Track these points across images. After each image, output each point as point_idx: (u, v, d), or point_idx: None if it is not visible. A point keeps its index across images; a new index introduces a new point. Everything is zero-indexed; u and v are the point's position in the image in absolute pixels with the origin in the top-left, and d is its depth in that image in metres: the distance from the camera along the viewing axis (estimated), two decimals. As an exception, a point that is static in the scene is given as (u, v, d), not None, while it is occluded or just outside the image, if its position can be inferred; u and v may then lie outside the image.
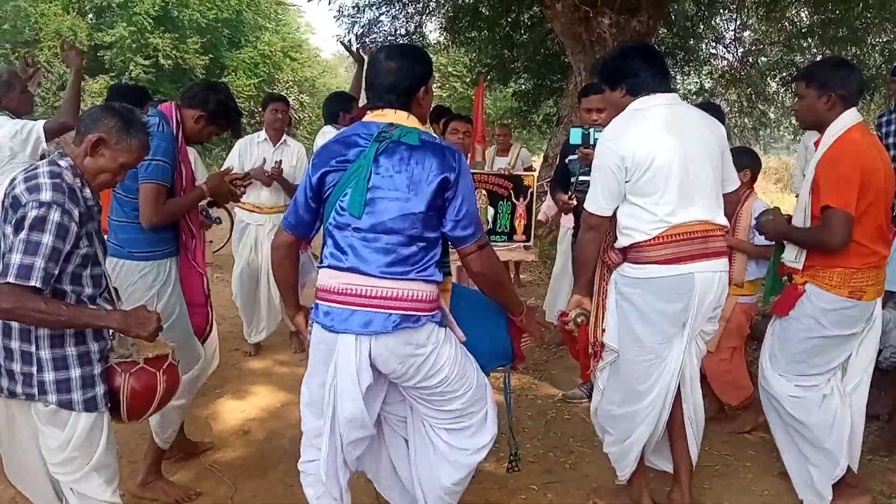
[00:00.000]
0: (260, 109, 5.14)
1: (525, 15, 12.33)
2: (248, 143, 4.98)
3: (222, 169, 3.85)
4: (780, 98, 13.64)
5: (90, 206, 2.20)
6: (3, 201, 2.11)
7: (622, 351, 2.76)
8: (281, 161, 4.83)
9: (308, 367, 2.37)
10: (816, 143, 2.92)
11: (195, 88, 3.11)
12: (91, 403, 2.17)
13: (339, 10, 12.48)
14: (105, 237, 3.09)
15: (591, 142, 3.88)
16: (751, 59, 13.15)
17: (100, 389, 2.19)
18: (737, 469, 3.46)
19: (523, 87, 14.67)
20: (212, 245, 7.46)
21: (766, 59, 12.97)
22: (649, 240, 2.61)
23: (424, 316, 2.21)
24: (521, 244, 4.03)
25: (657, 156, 2.55)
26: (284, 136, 5.02)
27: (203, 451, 3.50)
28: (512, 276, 7.81)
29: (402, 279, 2.17)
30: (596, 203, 2.68)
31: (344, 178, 2.18)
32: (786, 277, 3.10)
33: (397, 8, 12.45)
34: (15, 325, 2.09)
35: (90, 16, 18.79)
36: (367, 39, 12.29)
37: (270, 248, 2.44)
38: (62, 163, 2.15)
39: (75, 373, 2.14)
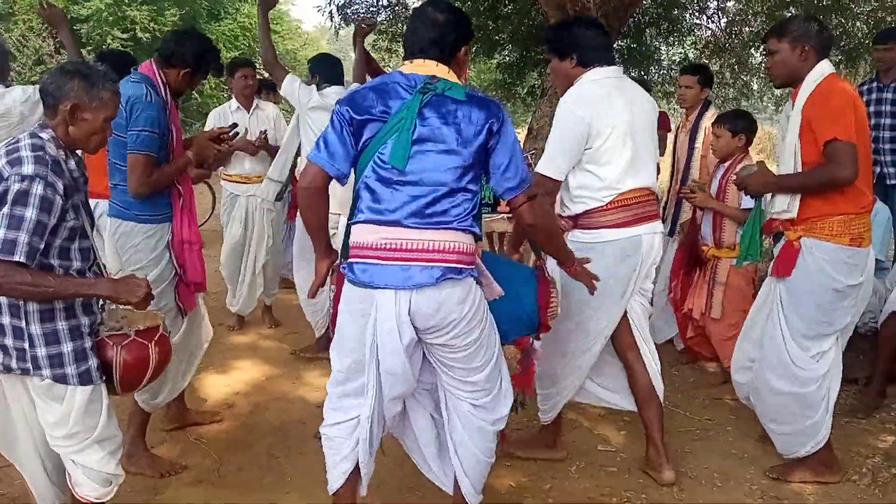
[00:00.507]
0: (228, 78, 5.00)
1: (508, -15, 12.19)
2: (222, 114, 4.90)
3: None
4: (764, 69, 13.62)
5: (76, 178, 2.16)
6: None
7: (564, 313, 2.80)
8: (266, 130, 4.78)
9: (339, 330, 2.32)
10: (793, 97, 2.89)
11: (168, 44, 3.01)
12: (86, 377, 2.15)
13: (319, -20, 12.26)
14: (105, 201, 3.13)
15: None
16: (735, 30, 13.10)
17: (93, 362, 2.18)
18: (717, 433, 3.51)
19: (507, 58, 14.54)
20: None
21: (749, 30, 12.93)
22: (602, 206, 2.78)
23: (465, 269, 2.19)
24: (505, 215, 4.02)
25: (616, 125, 2.73)
26: (256, 101, 4.96)
27: (207, 422, 3.51)
28: (496, 248, 7.81)
29: (444, 229, 2.15)
30: (555, 167, 2.76)
31: (385, 129, 2.11)
32: (771, 239, 3.10)
33: (379, -22, 12.27)
34: (3, 300, 2.07)
35: (65, -12, 18.39)
36: (348, 11, 12.11)
37: (298, 189, 2.26)
38: (43, 135, 2.10)
39: (67, 347, 2.12)
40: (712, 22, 13.32)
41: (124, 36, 17.41)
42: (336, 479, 2.38)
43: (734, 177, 3.38)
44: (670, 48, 14.91)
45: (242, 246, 4.89)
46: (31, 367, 2.11)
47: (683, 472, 3.12)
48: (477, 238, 2.28)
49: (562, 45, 2.84)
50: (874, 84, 4.78)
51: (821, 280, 2.80)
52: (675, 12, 12.37)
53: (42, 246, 2.01)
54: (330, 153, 2.16)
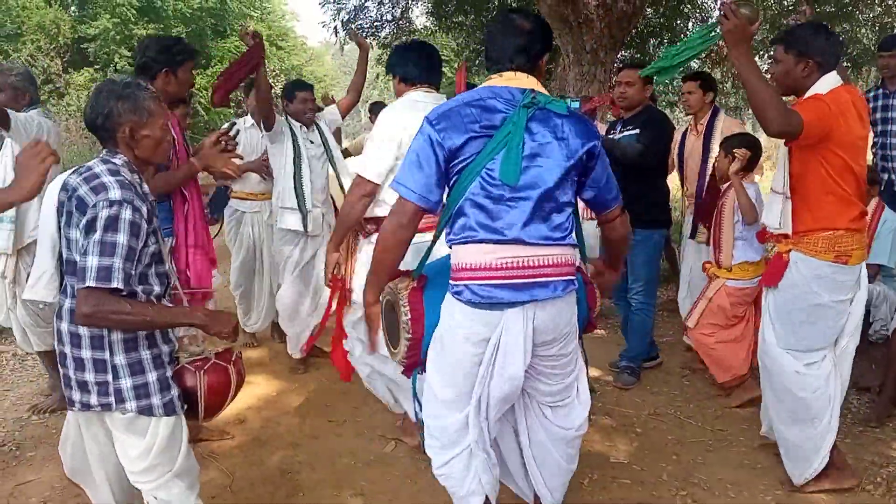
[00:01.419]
0: (244, 97, 5.02)
1: (511, -2, 12.26)
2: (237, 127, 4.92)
3: None
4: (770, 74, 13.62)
5: (152, 202, 2.13)
6: (61, 207, 2.05)
7: None
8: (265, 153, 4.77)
9: (442, 359, 2.24)
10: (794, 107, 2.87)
11: (138, 60, 3.03)
12: (170, 407, 2.11)
13: (323, -3, 12.34)
14: None
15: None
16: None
17: (175, 391, 2.13)
18: (730, 443, 3.49)
19: (511, 70, 14.62)
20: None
21: (755, 39, 12.98)
22: None
23: (575, 279, 2.23)
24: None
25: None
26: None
27: (217, 440, 3.53)
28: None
29: (560, 245, 2.16)
30: (375, 171, 2.85)
31: (491, 144, 2.05)
32: (770, 247, 3.12)
33: (383, -7, 12.36)
34: (85, 333, 2.02)
35: (73, 8, 18.56)
36: (352, 26, 12.19)
37: (388, 230, 2.17)
38: (116, 160, 2.06)
39: (152, 377, 2.07)
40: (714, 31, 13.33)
41: (131, 54, 17.53)
42: None
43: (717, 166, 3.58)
44: (674, 58, 14.92)
45: (253, 264, 4.90)
46: (113, 402, 2.04)
47: (696, 484, 3.11)
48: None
49: (392, 65, 3.10)
50: (880, 91, 4.77)
51: (804, 294, 2.83)
52: (678, 22, 12.40)
53: (133, 271, 1.97)
54: (426, 186, 2.10)
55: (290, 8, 29.06)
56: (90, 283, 1.89)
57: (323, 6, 12.36)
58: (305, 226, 4.26)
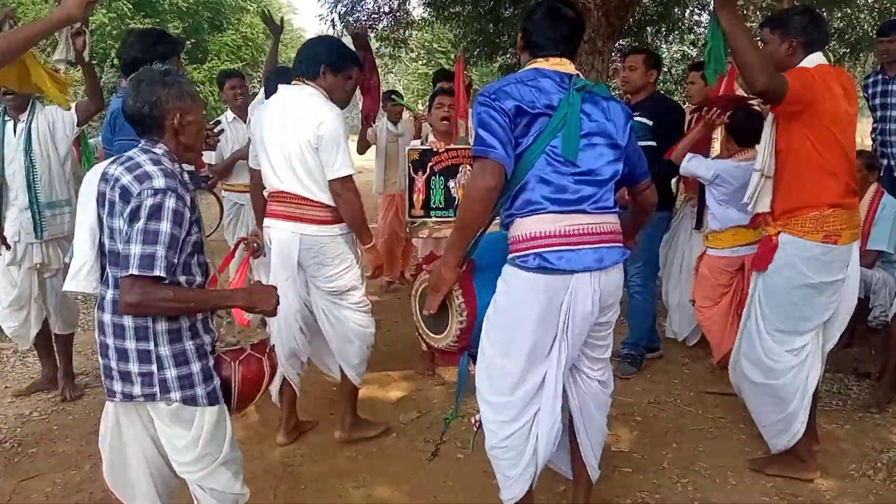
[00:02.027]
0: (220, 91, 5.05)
1: (509, -12, 12.20)
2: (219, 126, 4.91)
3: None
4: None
5: (193, 191, 2.13)
6: (101, 197, 2.04)
7: None
8: None
9: (503, 334, 2.29)
10: None
11: (122, 57, 3.06)
12: (213, 396, 2.10)
13: (320, -11, 12.30)
14: None
15: None
16: (755, 31, 13.10)
17: (216, 381, 2.13)
18: (731, 430, 3.50)
19: (510, 60, 14.56)
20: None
21: (751, 26, 12.91)
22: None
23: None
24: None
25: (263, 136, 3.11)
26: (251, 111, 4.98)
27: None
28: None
29: (615, 213, 2.34)
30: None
31: (552, 123, 2.20)
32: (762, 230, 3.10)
33: (380, -16, 12.31)
34: (129, 323, 2.01)
35: (68, 3, 18.54)
36: (350, 18, 12.15)
37: (476, 192, 2.18)
38: (157, 150, 2.06)
39: (196, 367, 2.07)
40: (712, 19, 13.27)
41: (127, 49, 17.50)
42: (518, 489, 2.39)
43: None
44: (671, 46, 14.89)
45: None
46: (157, 392, 2.03)
47: (697, 471, 3.12)
48: None
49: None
50: (879, 76, 4.75)
51: (793, 275, 2.84)
52: (676, 10, 12.35)
53: (176, 260, 1.97)
54: (505, 147, 2.18)
55: (287, 1, 28.93)
56: (133, 270, 1.89)
57: (320, -1, 12.31)
58: None
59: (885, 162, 4.65)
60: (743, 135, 3.71)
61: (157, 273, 1.90)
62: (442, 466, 3.19)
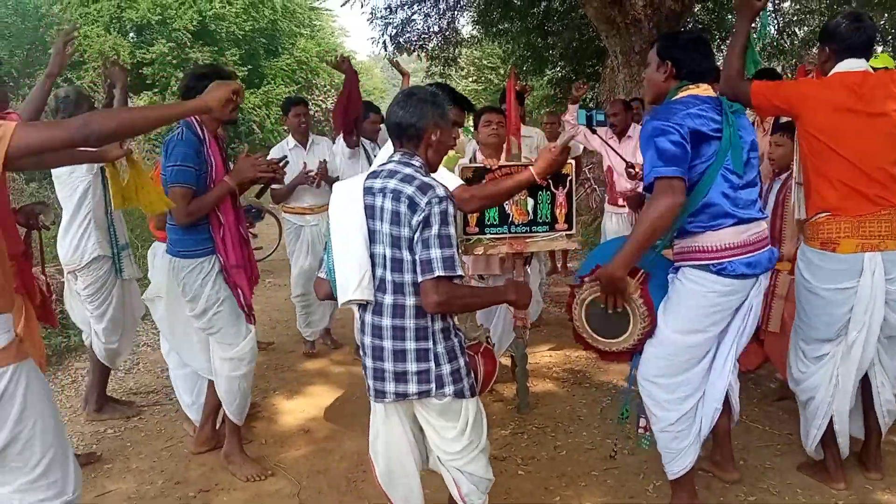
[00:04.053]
0: (283, 117, 5.20)
1: (557, 2, 12.23)
2: (280, 151, 5.05)
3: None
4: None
5: None
6: (371, 209, 2.18)
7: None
8: (325, 161, 4.92)
9: (685, 326, 2.63)
10: None
11: (181, 88, 3.23)
12: (473, 388, 2.28)
13: (371, 13, 12.53)
14: (161, 244, 3.43)
15: (594, 123, 3.94)
16: (794, 31, 12.81)
17: (472, 374, 2.30)
18: (799, 447, 3.39)
19: (559, 74, 14.56)
20: (261, 251, 7.62)
21: (808, 29, 12.62)
22: None
23: None
24: (563, 233, 4.01)
25: None
26: (311, 137, 5.12)
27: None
28: (559, 265, 7.78)
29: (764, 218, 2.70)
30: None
31: (723, 144, 2.51)
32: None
33: (429, 5, 12.48)
34: (410, 325, 2.17)
35: (131, 34, 19.26)
36: (400, 39, 12.34)
37: (666, 208, 2.42)
38: (415, 161, 2.22)
39: (461, 361, 2.24)
40: (769, 24, 13.04)
41: (187, 78, 18.09)
42: (688, 459, 2.73)
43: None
44: (724, 54, 14.65)
45: (312, 273, 5.02)
46: (433, 388, 2.19)
47: (765, 489, 3.05)
48: None
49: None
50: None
51: (801, 280, 2.94)
52: (729, 17, 12.17)
53: None
54: (685, 166, 2.46)
55: (338, 24, 29.54)
56: (439, 272, 2.06)
57: (371, 22, 12.56)
58: None
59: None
60: None
61: (458, 272, 2.09)
62: (503, 482, 3.19)
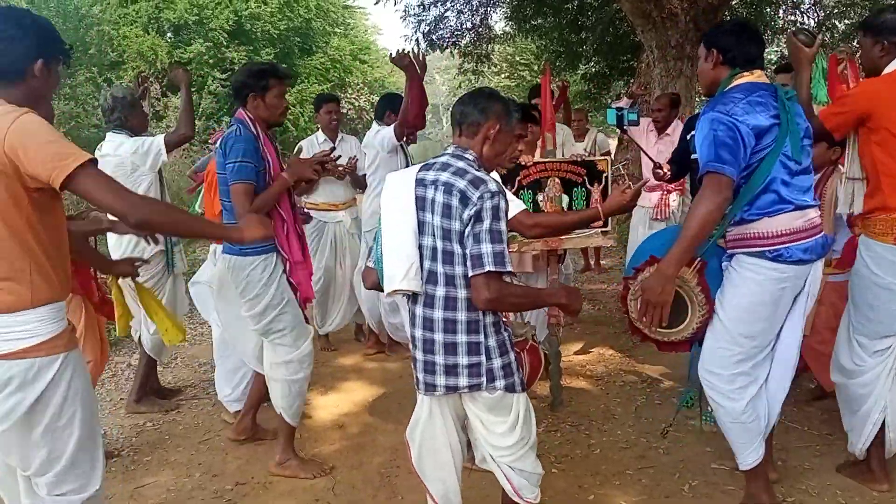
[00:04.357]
0: (315, 113, 5.26)
1: (590, -3, 12.13)
2: (310, 145, 5.11)
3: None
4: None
5: None
6: (422, 201, 2.19)
7: None
8: (356, 156, 4.95)
9: (746, 315, 2.61)
10: None
11: (233, 86, 3.28)
12: (522, 383, 2.29)
13: (404, 10, 12.55)
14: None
15: (626, 122, 3.88)
16: (835, 24, 12.53)
17: (522, 369, 2.32)
18: (839, 448, 3.33)
19: (593, 69, 14.43)
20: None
21: (848, 22, 12.32)
22: None
23: None
24: (599, 230, 3.98)
25: None
26: (341, 134, 5.17)
27: (270, 439, 3.66)
28: (592, 262, 7.73)
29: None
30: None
31: (782, 130, 2.50)
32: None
33: (462, 2, 12.46)
34: (462, 318, 2.16)
35: (168, 34, 19.55)
36: (434, 36, 12.35)
37: (714, 205, 2.44)
38: (468, 156, 2.22)
39: (511, 356, 2.25)
40: (808, 17, 12.77)
41: (223, 76, 18.37)
42: (761, 451, 2.74)
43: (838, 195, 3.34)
44: (764, 48, 14.39)
45: (333, 270, 5.09)
46: (484, 381, 2.19)
47: (804, 490, 3.00)
48: None
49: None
50: None
51: (868, 276, 2.85)
52: (768, 10, 11.95)
53: None
54: (737, 162, 2.45)
55: (371, 22, 29.70)
56: (489, 267, 2.05)
57: (404, 19, 12.58)
58: None
59: None
60: None
61: (508, 268, 2.08)
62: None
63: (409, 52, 4.13)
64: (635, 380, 4.40)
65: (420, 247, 2.21)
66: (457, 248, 2.13)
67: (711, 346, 2.72)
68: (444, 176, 2.16)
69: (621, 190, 2.79)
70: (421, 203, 2.20)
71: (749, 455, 2.74)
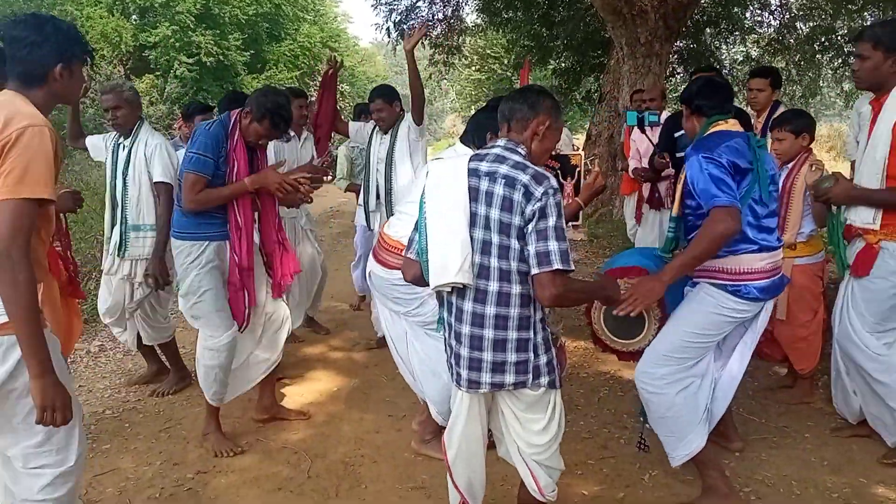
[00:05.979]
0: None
1: (562, -8, 12.18)
2: (277, 141, 4.96)
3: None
4: (827, 65, 13.20)
5: None
6: (475, 192, 2.14)
7: None
8: (315, 157, 4.89)
9: (698, 335, 2.77)
10: (875, 104, 2.98)
11: (255, 94, 3.34)
12: (560, 380, 2.30)
13: (375, -1, 12.48)
14: None
15: (647, 124, 3.97)
16: (798, 25, 12.76)
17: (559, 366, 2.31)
18: (795, 440, 3.43)
19: (563, 64, 14.51)
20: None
21: (812, 25, 12.57)
22: None
23: None
24: (571, 224, 4.02)
25: None
26: (305, 132, 4.98)
27: (293, 419, 3.80)
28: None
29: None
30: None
31: (754, 176, 2.67)
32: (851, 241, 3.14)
33: (434, -9, 12.43)
34: (513, 314, 2.14)
35: (134, 17, 19.18)
36: (405, 26, 12.30)
37: (726, 234, 2.51)
38: (521, 150, 2.19)
39: (553, 352, 2.26)
40: (775, 18, 12.99)
41: (190, 60, 18.08)
42: (691, 448, 2.80)
43: (807, 182, 3.48)
44: (731, 47, 14.62)
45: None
46: (530, 378, 2.18)
47: (761, 481, 3.07)
48: None
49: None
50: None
51: (893, 279, 2.98)
52: (736, 10, 12.12)
53: None
54: (736, 194, 2.57)
55: (342, 10, 29.47)
56: (557, 265, 2.04)
57: (375, 7, 12.51)
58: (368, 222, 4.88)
59: None
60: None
61: (572, 266, 2.08)
62: (499, 469, 3.19)
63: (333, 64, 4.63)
64: (597, 372, 4.45)
65: (472, 240, 2.16)
66: (514, 244, 2.09)
67: (655, 348, 2.83)
68: (504, 169, 2.12)
69: (592, 179, 2.90)
70: (474, 194, 2.15)
71: (679, 448, 2.82)
